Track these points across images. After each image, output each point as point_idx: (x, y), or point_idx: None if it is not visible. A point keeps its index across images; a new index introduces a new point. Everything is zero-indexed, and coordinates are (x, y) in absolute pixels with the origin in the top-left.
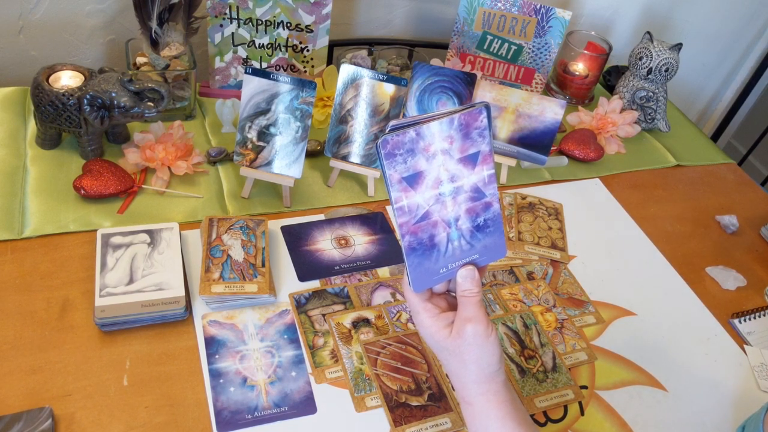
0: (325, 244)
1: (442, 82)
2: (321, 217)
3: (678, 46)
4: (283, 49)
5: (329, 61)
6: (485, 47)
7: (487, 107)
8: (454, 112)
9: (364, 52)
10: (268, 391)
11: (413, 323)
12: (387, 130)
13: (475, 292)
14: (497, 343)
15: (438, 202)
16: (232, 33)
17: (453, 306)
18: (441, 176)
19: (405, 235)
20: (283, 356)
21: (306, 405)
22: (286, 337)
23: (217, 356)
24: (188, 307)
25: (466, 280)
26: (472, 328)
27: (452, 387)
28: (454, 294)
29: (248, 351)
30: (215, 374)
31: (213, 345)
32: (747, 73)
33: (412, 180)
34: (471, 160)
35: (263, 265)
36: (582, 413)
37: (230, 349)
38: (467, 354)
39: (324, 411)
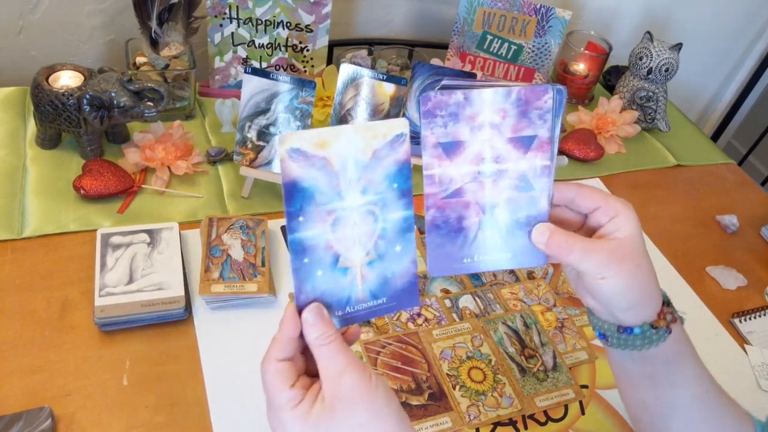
0: None
1: None
2: None
3: (678, 46)
4: (283, 48)
5: (329, 61)
6: (485, 47)
7: (560, 90)
8: (517, 85)
9: (364, 52)
10: (365, 275)
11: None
12: (437, 87)
13: (330, 333)
14: (393, 397)
15: (475, 181)
16: (232, 33)
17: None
18: (484, 153)
19: (430, 208)
20: (389, 219)
21: (409, 295)
22: (395, 186)
23: (301, 218)
24: (188, 306)
25: (313, 326)
26: (350, 380)
27: None
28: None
29: (344, 210)
30: (299, 249)
31: (295, 197)
32: (747, 73)
33: (450, 148)
34: (524, 144)
35: (263, 265)
36: (583, 412)
37: (320, 205)
38: (351, 424)
39: None
